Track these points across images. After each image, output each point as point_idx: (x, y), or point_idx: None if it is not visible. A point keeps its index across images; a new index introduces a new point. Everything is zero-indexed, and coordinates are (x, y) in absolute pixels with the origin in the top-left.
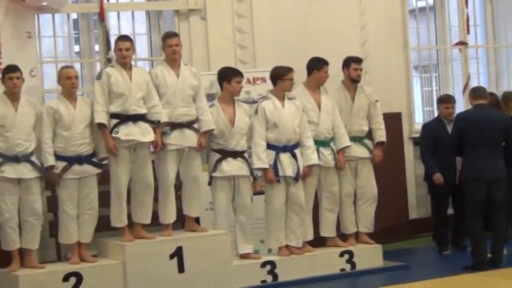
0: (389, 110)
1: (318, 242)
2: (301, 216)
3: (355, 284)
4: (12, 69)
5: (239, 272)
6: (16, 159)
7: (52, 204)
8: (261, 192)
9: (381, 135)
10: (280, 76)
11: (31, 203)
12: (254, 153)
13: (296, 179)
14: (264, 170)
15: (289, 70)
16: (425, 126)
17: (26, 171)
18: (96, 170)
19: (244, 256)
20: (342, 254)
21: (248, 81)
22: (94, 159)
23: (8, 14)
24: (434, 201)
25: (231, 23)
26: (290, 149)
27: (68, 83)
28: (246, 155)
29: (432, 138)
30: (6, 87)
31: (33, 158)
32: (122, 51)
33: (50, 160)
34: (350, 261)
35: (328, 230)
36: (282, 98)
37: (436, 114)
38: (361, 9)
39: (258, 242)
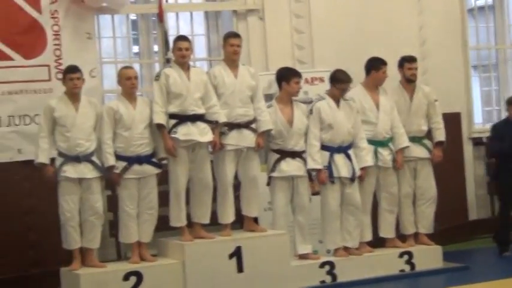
0: (448, 110)
1: (377, 242)
2: (357, 217)
3: (414, 285)
4: (72, 69)
5: (298, 272)
6: (77, 159)
7: (112, 204)
8: (318, 193)
9: (440, 134)
10: (337, 81)
11: (92, 203)
12: (308, 154)
13: (352, 179)
14: (318, 171)
15: (348, 80)
16: (495, 127)
17: (86, 171)
18: (155, 170)
19: (303, 256)
20: (401, 255)
21: (306, 81)
22: (154, 159)
23: (68, 15)
24: (501, 201)
25: (289, 23)
26: (344, 149)
27: (127, 83)
28: (304, 155)
29: (500, 139)
30: (67, 88)
31: (94, 158)
32: (181, 51)
33: (111, 160)
34: (409, 262)
35: (387, 231)
36: (337, 99)
37: (496, 114)
38: (419, 9)
39: (317, 242)
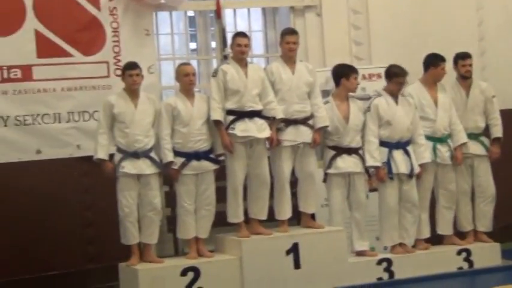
0: (507, 106)
1: (435, 239)
2: (414, 214)
3: (472, 282)
4: (132, 66)
5: (355, 268)
6: (136, 155)
7: (170, 200)
8: (376, 189)
9: (497, 131)
10: (393, 76)
11: (150, 198)
12: (367, 151)
13: (410, 176)
14: (376, 168)
15: (403, 74)
16: None
17: (145, 167)
18: (213, 166)
19: (360, 253)
20: (459, 252)
21: (363, 77)
22: (211, 155)
23: (127, 12)
24: None
25: (347, 19)
26: (403, 145)
27: (185, 79)
28: (360, 151)
29: None
30: (126, 84)
31: (152, 154)
32: (240, 47)
33: (169, 156)
34: (467, 259)
35: (445, 228)
36: (395, 95)
37: None
38: (478, 5)
39: (374, 239)
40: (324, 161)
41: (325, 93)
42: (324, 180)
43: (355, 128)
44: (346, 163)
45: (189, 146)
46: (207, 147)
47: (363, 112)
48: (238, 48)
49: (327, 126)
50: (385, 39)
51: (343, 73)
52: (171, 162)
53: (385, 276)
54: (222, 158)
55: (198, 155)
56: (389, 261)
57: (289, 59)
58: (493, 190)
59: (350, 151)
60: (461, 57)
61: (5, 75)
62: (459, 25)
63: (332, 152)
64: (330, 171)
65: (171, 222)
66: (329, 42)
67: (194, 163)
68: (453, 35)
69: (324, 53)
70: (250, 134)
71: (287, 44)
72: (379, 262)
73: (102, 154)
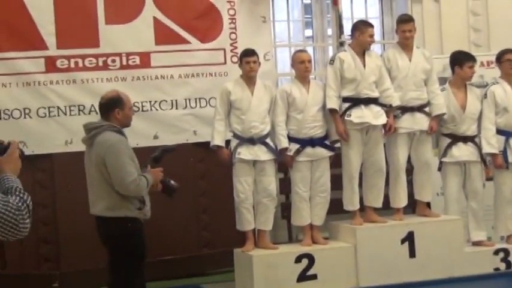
0: None
1: None
2: None
3: None
4: (249, 53)
5: (471, 258)
6: (252, 141)
7: (284, 187)
8: (493, 178)
9: None
10: (498, 59)
11: (265, 185)
12: (483, 138)
13: None
14: (493, 155)
15: (506, 52)
16: None
17: (260, 153)
18: (328, 153)
19: (476, 243)
20: None
21: (482, 64)
22: (326, 142)
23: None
24: None
25: (465, 5)
26: None
27: (301, 67)
28: (477, 140)
29: None
30: (243, 71)
31: (268, 141)
32: (372, 38)
33: (284, 142)
34: None
35: None
36: (510, 82)
37: None
38: None
39: (491, 229)
40: (439, 149)
41: (443, 81)
42: (439, 169)
43: (471, 116)
44: (462, 151)
45: (303, 132)
46: (322, 133)
47: (480, 100)
48: (369, 39)
49: (443, 114)
50: (504, 25)
51: (457, 61)
52: (286, 149)
53: (502, 266)
54: (337, 145)
55: (312, 142)
56: (506, 252)
57: (406, 46)
58: None
59: (466, 139)
60: None
61: (124, 62)
62: None
63: (447, 140)
64: (445, 159)
65: (285, 209)
66: (447, 28)
67: (309, 150)
68: None
69: (441, 39)
70: (366, 121)
71: (403, 33)
72: (496, 252)
73: (219, 141)
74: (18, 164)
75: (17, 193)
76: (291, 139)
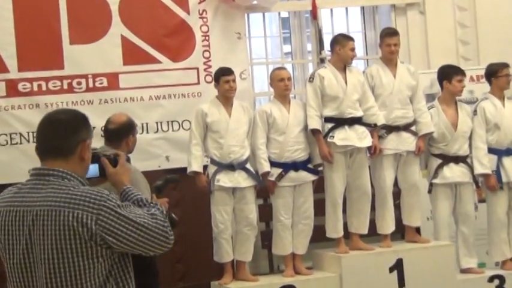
0: None
1: None
2: None
3: None
4: (227, 71)
5: (464, 287)
6: (231, 167)
7: (264, 214)
8: (485, 200)
9: None
10: (493, 73)
11: (246, 213)
12: (475, 158)
13: None
14: (486, 176)
15: (503, 66)
16: None
17: (241, 179)
18: (312, 177)
19: (466, 270)
20: None
21: (471, 79)
22: (309, 166)
23: (218, 15)
24: None
25: (452, 16)
26: None
27: (280, 85)
28: (468, 160)
29: None
30: (220, 91)
31: (248, 166)
32: (353, 52)
33: (265, 166)
34: None
35: None
36: (501, 98)
37: None
38: None
39: (484, 254)
40: (428, 171)
41: (430, 98)
42: (429, 191)
43: (463, 134)
44: (454, 172)
45: (286, 155)
46: (305, 157)
47: (471, 117)
48: (351, 53)
49: (431, 133)
50: (493, 38)
51: (445, 75)
52: (267, 173)
53: None
54: (320, 168)
55: (295, 166)
56: (501, 279)
57: (389, 61)
58: None
59: (458, 160)
60: None
61: (90, 84)
62: None
63: (438, 161)
64: (436, 181)
65: (266, 238)
66: (433, 42)
67: (292, 174)
68: None
69: (427, 53)
70: (351, 143)
71: (387, 47)
72: (491, 279)
73: (196, 166)
74: (129, 175)
75: (152, 204)
76: (273, 163)
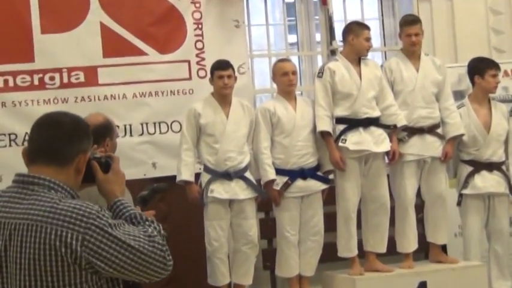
0: None
1: None
2: None
3: None
4: (223, 65)
5: None
6: (227, 175)
7: (266, 229)
8: None
9: None
10: None
11: (245, 230)
12: (511, 165)
13: None
14: None
15: None
16: None
17: (239, 190)
18: (322, 186)
19: None
20: None
21: (505, 74)
22: (319, 173)
23: (212, 0)
24: None
25: (483, 1)
26: None
27: (284, 79)
28: (504, 167)
29: None
30: (215, 88)
31: (248, 175)
32: (368, 42)
33: (270, 173)
34: None
35: None
36: None
37: None
38: None
39: None
40: (457, 180)
41: (459, 95)
42: (458, 203)
43: (497, 138)
44: (487, 182)
45: (292, 161)
46: (314, 163)
47: (507, 118)
48: (366, 44)
49: (461, 135)
50: None
51: (477, 69)
52: (272, 181)
53: None
54: (331, 176)
55: (303, 173)
56: None
57: (411, 53)
58: None
59: (491, 167)
60: None
61: (65, 80)
62: None
63: (468, 168)
64: (466, 191)
65: (268, 257)
66: (462, 31)
67: (299, 183)
68: None
69: (455, 44)
70: (366, 148)
71: (408, 37)
72: None
73: (187, 175)
74: (124, 183)
75: (148, 223)
76: (277, 171)
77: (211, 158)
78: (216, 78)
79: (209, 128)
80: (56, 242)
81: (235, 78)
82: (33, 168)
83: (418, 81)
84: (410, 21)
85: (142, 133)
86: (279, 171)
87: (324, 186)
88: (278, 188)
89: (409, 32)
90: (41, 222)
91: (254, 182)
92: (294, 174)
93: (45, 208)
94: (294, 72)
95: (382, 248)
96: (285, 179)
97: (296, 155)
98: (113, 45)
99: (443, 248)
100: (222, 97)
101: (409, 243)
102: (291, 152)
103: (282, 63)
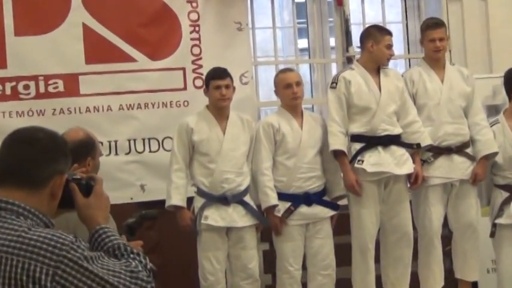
0: None
1: None
2: None
3: None
4: (220, 74)
5: None
6: (224, 200)
7: (270, 262)
8: None
9: None
10: None
11: (245, 262)
12: None
13: None
14: None
15: None
16: None
17: (237, 217)
18: (329, 212)
19: None
20: None
21: None
22: (326, 198)
23: None
24: None
25: None
26: None
27: (287, 92)
28: None
29: None
30: (211, 100)
31: (247, 199)
32: (389, 50)
33: (272, 198)
34: None
35: None
36: None
37: None
38: None
39: None
40: (491, 207)
41: (493, 110)
42: (492, 234)
43: None
44: None
45: (296, 185)
46: (321, 187)
47: None
48: (387, 52)
49: (495, 154)
50: None
51: None
52: (273, 207)
53: None
54: (341, 202)
55: (308, 198)
56: None
57: (435, 61)
58: None
59: None
60: None
61: (42, 89)
62: None
63: (504, 194)
64: (500, 221)
65: None
66: (497, 37)
67: (303, 209)
68: None
69: (489, 52)
70: (386, 170)
71: (431, 42)
72: None
73: (177, 199)
74: (108, 208)
75: (133, 255)
76: (278, 195)
77: (206, 179)
78: (212, 89)
79: (203, 145)
80: (23, 277)
81: (234, 88)
82: (1, 192)
83: (443, 94)
84: (433, 24)
85: (130, 151)
86: (281, 196)
87: (331, 213)
88: (279, 214)
89: (433, 36)
90: (6, 254)
91: (255, 207)
92: (297, 199)
93: (12, 237)
94: (298, 83)
95: (404, 286)
96: (287, 204)
97: (300, 178)
98: (97, 50)
99: (474, 285)
100: (219, 110)
101: (434, 280)
102: (295, 174)
103: (284, 74)
